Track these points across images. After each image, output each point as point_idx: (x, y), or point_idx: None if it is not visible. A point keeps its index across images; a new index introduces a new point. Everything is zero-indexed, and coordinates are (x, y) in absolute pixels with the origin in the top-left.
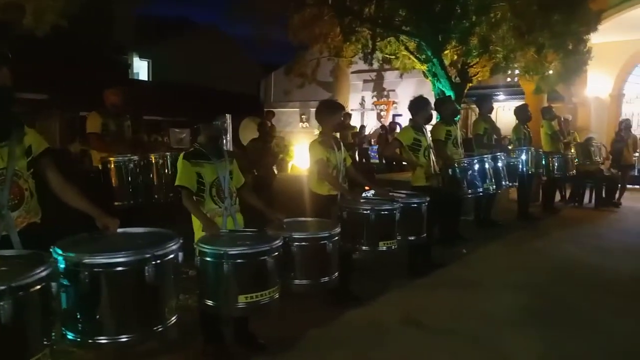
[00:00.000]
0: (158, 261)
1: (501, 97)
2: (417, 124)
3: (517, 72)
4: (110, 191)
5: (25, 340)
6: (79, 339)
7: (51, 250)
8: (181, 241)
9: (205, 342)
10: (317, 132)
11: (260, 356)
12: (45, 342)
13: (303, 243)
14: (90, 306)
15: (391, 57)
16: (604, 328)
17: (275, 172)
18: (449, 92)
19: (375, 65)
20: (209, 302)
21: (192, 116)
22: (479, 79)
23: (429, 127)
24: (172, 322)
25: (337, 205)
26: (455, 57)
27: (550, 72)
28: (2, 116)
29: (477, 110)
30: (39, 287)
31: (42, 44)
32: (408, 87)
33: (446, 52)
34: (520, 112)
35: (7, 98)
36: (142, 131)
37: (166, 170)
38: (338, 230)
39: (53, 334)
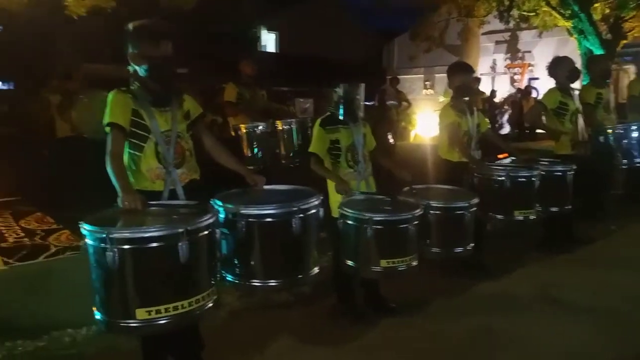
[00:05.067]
0: (303, 214)
1: None
2: (563, 85)
3: None
4: (242, 156)
5: (197, 278)
6: (236, 281)
7: (211, 202)
8: (322, 198)
9: (339, 300)
10: (441, 99)
11: (390, 319)
12: (212, 282)
13: (439, 212)
14: (246, 252)
15: (530, 14)
16: None
17: (392, 140)
18: (598, 51)
19: (511, 25)
20: (349, 262)
21: (316, 86)
22: (635, 34)
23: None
24: (314, 272)
25: (468, 172)
26: (607, 10)
27: None
28: (165, 84)
29: (630, 71)
30: (207, 232)
31: (183, 20)
32: (547, 47)
33: (596, 5)
34: None
35: (169, 69)
36: (271, 101)
37: (292, 137)
38: (476, 200)
39: (217, 276)
